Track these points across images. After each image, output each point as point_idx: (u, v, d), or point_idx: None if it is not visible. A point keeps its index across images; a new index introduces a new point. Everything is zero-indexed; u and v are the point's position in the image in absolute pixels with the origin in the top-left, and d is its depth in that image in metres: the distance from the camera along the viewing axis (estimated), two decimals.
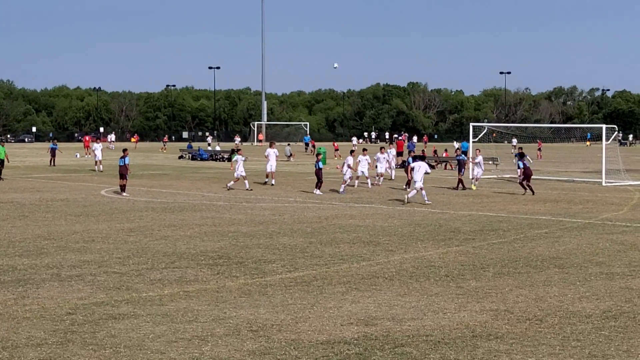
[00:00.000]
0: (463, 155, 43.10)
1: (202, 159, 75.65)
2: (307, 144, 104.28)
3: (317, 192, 37.07)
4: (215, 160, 74.96)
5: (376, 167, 43.45)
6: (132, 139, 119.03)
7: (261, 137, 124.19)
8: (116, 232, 23.74)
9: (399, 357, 11.31)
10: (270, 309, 14.07)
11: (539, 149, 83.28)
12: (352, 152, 42.69)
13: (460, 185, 40.45)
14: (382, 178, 43.70)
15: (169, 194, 36.81)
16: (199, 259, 19.16)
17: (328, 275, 17.14)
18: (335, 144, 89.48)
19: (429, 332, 12.59)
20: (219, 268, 17.97)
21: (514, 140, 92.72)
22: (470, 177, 42.49)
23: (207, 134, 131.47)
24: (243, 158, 40.13)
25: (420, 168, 32.67)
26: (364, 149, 43.57)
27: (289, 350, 11.61)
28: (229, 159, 73.31)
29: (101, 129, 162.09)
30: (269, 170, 42.35)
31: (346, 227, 25.10)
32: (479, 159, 41.81)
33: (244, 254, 19.84)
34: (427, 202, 32.28)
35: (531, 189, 37.52)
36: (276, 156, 42.96)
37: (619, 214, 29.80)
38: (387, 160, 45.80)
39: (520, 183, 38.09)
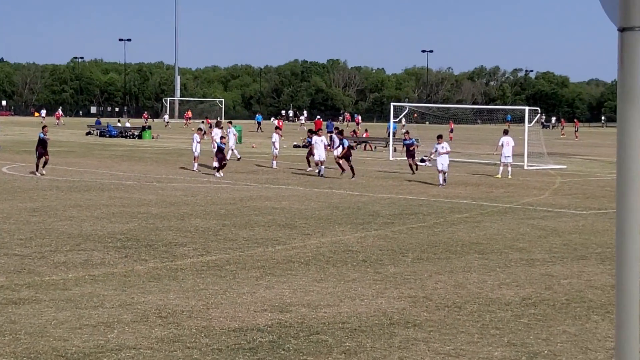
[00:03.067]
0: (413, 139, 42.07)
1: (110, 136, 74.73)
2: (259, 123, 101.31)
3: (218, 174, 36.06)
4: (125, 137, 74.19)
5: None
6: (56, 115, 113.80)
7: (189, 114, 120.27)
8: (18, 212, 23.36)
9: (314, 345, 11.28)
10: (181, 295, 13.96)
11: (451, 130, 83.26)
12: (314, 131, 42.40)
13: (415, 167, 40.02)
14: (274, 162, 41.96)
15: (75, 172, 36.40)
16: (106, 241, 18.98)
17: (242, 260, 17.08)
18: (281, 122, 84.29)
19: (345, 319, 12.57)
20: (127, 251, 17.81)
21: (403, 120, 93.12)
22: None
23: (165, 114, 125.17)
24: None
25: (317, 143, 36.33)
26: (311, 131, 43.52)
27: (200, 338, 11.51)
28: (140, 136, 72.74)
29: (4, 102, 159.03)
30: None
31: (261, 210, 25.09)
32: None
33: (154, 237, 19.69)
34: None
35: (342, 168, 37.86)
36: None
37: (541, 198, 30.30)
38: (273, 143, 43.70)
39: (337, 162, 38.39)
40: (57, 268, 15.92)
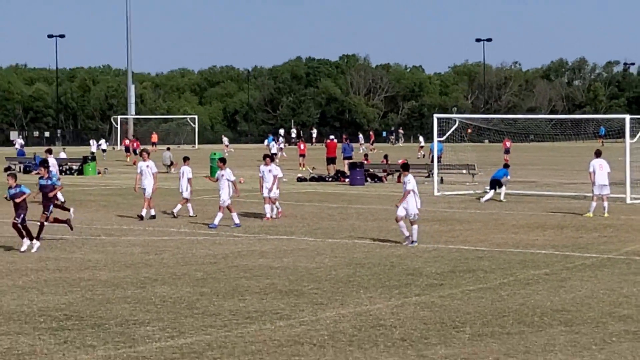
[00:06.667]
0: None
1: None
2: (270, 148, 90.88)
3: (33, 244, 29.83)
4: (60, 172, 73.96)
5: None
6: None
7: (155, 137, 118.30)
8: None
9: None
10: None
11: (506, 151, 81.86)
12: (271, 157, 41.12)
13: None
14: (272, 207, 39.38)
15: None
16: (37, 320, 18.77)
17: (229, 343, 16.90)
18: (302, 144, 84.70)
19: None
20: (66, 334, 17.60)
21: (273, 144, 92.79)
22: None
23: (108, 138, 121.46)
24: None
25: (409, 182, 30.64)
26: (266, 156, 41.21)
27: None
28: (80, 171, 72.61)
29: None
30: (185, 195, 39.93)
31: (254, 270, 25.02)
32: None
33: (103, 313, 19.51)
34: None
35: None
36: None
37: None
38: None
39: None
40: None
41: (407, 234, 30.12)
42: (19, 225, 29.04)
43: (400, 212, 29.92)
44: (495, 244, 30.36)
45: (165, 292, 21.96)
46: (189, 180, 39.46)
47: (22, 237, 29.10)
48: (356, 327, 18.19)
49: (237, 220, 35.96)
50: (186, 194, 39.42)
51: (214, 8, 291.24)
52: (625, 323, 18.41)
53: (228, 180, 36.48)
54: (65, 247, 29.68)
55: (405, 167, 31.83)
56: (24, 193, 29.29)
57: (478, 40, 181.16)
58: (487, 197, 46.33)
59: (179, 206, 39.31)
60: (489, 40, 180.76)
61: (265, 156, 40.75)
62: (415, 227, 30.12)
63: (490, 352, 16.13)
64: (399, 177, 60.78)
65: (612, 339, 17.07)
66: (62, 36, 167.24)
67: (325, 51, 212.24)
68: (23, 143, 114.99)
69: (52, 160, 48.70)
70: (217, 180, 37.01)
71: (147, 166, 38.92)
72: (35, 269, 25.30)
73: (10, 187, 29.51)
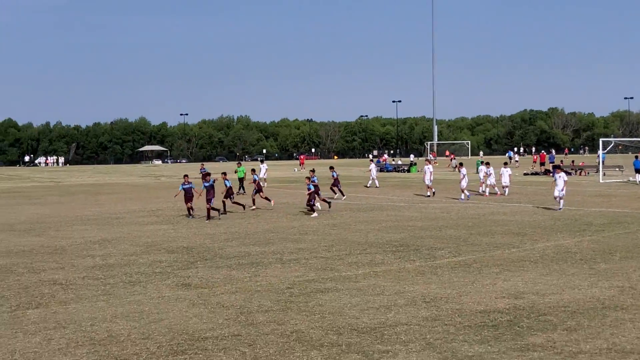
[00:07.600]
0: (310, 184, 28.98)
1: (387, 171, 75.89)
2: (510, 158, 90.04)
3: (314, 214, 27.98)
4: (397, 171, 75.07)
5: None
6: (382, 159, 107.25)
7: (447, 152, 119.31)
8: (323, 227, 23.90)
9: (542, 323, 11.06)
10: (440, 285, 13.87)
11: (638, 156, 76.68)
12: (505, 163, 39.64)
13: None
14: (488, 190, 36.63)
15: (362, 198, 36.65)
16: (385, 247, 19.04)
17: (485, 259, 16.76)
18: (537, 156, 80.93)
19: (566, 304, 12.19)
20: (400, 254, 17.81)
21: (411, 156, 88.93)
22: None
23: (428, 154, 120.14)
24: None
25: (560, 178, 28.75)
26: (487, 163, 38.56)
27: (454, 317, 11.51)
28: (408, 170, 73.35)
29: (312, 150, 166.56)
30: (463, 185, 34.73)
31: (499, 222, 24.52)
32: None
33: (419, 243, 19.61)
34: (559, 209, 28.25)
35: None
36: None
37: None
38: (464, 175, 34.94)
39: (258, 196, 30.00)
40: (350, 266, 16.14)
41: (557, 207, 28.54)
42: (310, 204, 28.06)
43: (556, 193, 28.51)
44: (634, 208, 28.77)
45: (451, 233, 21.65)
46: (474, 178, 37.57)
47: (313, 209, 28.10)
48: (554, 252, 17.74)
49: (462, 197, 34.03)
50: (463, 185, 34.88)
51: (480, 81, 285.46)
52: None
53: (464, 175, 34.57)
54: (399, 209, 29.60)
55: (558, 167, 30.05)
56: (311, 187, 28.28)
57: (625, 97, 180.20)
58: (638, 178, 45.03)
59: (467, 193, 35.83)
60: (632, 97, 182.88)
61: (486, 163, 38.96)
62: (562, 200, 28.57)
63: (630, 267, 15.51)
64: (580, 171, 59.00)
65: None
66: (399, 101, 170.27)
67: (540, 104, 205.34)
68: (381, 157, 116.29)
69: (372, 165, 46.38)
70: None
71: (428, 167, 36.80)
72: (384, 220, 25.31)
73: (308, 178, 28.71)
